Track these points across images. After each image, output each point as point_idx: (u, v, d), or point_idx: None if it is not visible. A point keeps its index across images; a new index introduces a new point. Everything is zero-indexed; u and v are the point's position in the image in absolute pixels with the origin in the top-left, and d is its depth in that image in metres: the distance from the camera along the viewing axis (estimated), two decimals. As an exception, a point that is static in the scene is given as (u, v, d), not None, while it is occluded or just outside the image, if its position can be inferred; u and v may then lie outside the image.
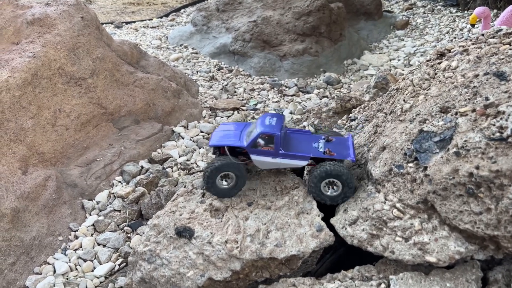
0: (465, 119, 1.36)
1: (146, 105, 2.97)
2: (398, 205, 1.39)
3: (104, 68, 2.86)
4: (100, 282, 1.79)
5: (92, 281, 1.78)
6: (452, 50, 1.78)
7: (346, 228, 1.49)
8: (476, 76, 1.49)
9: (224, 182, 1.60)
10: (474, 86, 1.45)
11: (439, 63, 1.75)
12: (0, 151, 2.16)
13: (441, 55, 1.79)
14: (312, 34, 4.02)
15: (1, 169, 2.08)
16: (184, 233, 1.52)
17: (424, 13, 5.29)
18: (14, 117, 2.31)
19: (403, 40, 4.67)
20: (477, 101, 1.39)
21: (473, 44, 1.73)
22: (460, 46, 1.77)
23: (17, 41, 2.64)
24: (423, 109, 1.54)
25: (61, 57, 2.63)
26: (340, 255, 1.80)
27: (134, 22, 5.38)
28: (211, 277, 1.43)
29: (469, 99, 1.43)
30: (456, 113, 1.42)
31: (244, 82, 3.84)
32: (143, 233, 1.61)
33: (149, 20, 5.45)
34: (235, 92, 3.64)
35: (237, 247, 1.44)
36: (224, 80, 3.88)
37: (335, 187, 1.57)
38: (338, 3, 4.32)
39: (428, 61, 1.84)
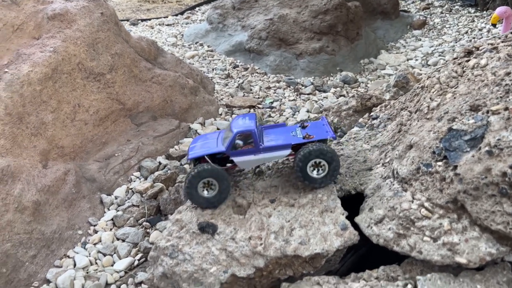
0: (497, 118, 1.33)
1: (163, 102, 2.97)
2: (426, 204, 1.37)
3: (123, 64, 2.86)
4: (120, 277, 1.79)
5: (112, 275, 1.78)
6: (480, 48, 1.75)
7: (371, 227, 1.47)
8: (508, 74, 1.46)
9: (206, 192, 1.56)
10: (506, 84, 1.42)
11: (467, 61, 1.71)
12: (21, 144, 2.17)
13: (469, 53, 1.76)
14: (329, 32, 4.00)
15: (22, 162, 2.08)
16: (207, 228, 1.51)
17: (441, 13, 5.23)
18: (35, 111, 2.32)
19: (420, 40, 4.62)
20: (509, 99, 1.36)
21: (502, 42, 1.69)
22: (489, 44, 1.74)
23: (37, 36, 2.65)
24: (451, 107, 1.52)
25: (81, 52, 2.64)
26: (362, 255, 1.78)
27: (150, 19, 5.39)
28: (234, 274, 1.42)
29: (501, 97, 1.40)
30: (487, 112, 1.39)
31: (260, 80, 3.82)
32: (165, 228, 1.60)
33: (164, 17, 5.46)
34: (251, 90, 3.63)
35: (261, 244, 1.42)
36: (239, 78, 3.87)
37: (321, 168, 1.55)
38: (355, 1, 4.29)
39: (455, 59, 1.80)
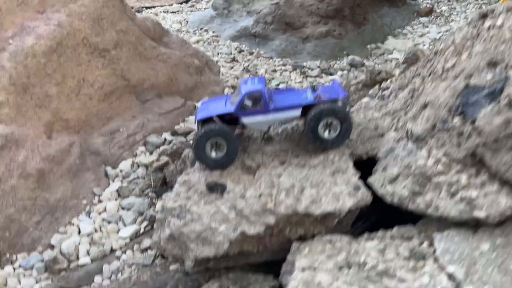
0: (517, 70, 1.29)
1: (168, 80, 2.93)
2: (443, 159, 1.32)
3: (128, 41, 2.82)
4: (125, 244, 1.75)
5: (117, 241, 1.74)
6: (495, 11, 1.70)
7: (385, 186, 1.43)
8: (527, 29, 1.41)
9: (214, 153, 1.52)
10: (525, 38, 1.38)
11: (482, 24, 1.67)
12: (26, 114, 2.14)
13: (483, 16, 1.72)
14: (335, 16, 3.95)
15: (26, 131, 2.05)
16: (216, 188, 1.47)
17: (449, 0, 5.18)
18: (39, 83, 2.28)
19: (427, 27, 4.58)
20: (529, 53, 1.32)
21: (519, 3, 1.65)
22: (503, 7, 1.69)
23: (42, 10, 2.62)
24: (468, 65, 1.47)
25: (86, 28, 2.61)
26: (373, 223, 1.74)
27: (154, 7, 5.37)
28: (243, 232, 1.38)
29: (520, 51, 1.35)
30: (506, 66, 1.35)
31: (266, 64, 3.79)
32: (172, 191, 1.56)
33: (169, 5, 5.43)
34: (256, 72, 3.59)
35: (271, 201, 1.38)
36: (245, 62, 3.83)
37: (333, 128, 1.51)
38: (362, -13, 4.25)
39: (469, 23, 1.76)
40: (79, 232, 1.79)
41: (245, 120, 1.52)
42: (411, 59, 2.59)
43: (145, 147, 2.46)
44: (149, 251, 1.68)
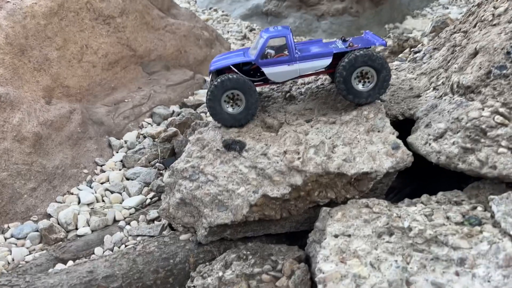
0: None
1: (177, 51, 2.75)
2: (501, 110, 1.13)
3: (134, 9, 2.65)
4: (130, 214, 1.57)
5: (121, 212, 1.56)
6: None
7: (430, 144, 1.23)
8: None
9: (231, 108, 1.33)
10: None
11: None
12: (23, 77, 1.96)
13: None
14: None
15: (23, 94, 1.88)
16: (234, 145, 1.28)
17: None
18: (38, 45, 2.11)
19: (447, 8, 4.36)
20: None
21: None
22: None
23: (43, -28, 2.44)
24: (525, 8, 1.28)
25: (90, -9, 2.43)
26: (407, 195, 1.55)
27: (162, -12, 5.18)
28: (266, 194, 1.19)
29: None
30: None
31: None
32: (180, 152, 1.38)
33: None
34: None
35: (298, 158, 1.19)
36: (257, 39, 3.63)
37: (368, 79, 1.32)
38: (380, -36, 4.04)
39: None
40: (79, 201, 1.62)
41: (267, 70, 1.33)
42: (440, 28, 2.39)
43: (151, 118, 2.28)
44: (156, 222, 1.50)
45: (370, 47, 1.34)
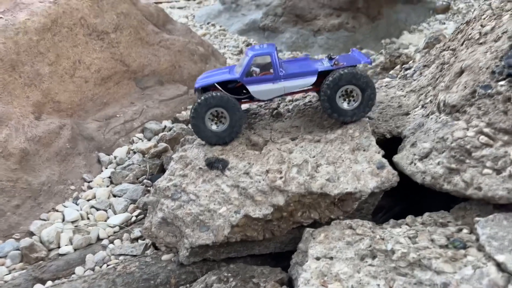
0: None
1: (171, 66, 2.75)
2: (486, 130, 1.11)
3: (129, 25, 2.66)
4: (114, 232, 1.55)
5: (105, 230, 1.54)
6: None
7: (415, 164, 1.21)
8: None
9: (215, 125, 1.32)
10: None
11: (523, -14, 1.47)
12: (13, 92, 1.96)
13: (524, -21, 1.51)
14: (349, 8, 3.77)
15: (12, 109, 1.87)
16: (216, 164, 1.26)
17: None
18: (30, 61, 2.11)
19: (444, 23, 4.37)
20: None
21: None
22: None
23: (38, -11, 2.46)
24: (511, 27, 1.27)
25: (84, 7, 2.44)
26: (395, 215, 1.52)
27: (161, 2, 5.23)
28: (247, 214, 1.17)
29: None
30: (560, 22, 1.14)
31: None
32: (167, 169, 1.36)
33: (176, 1, 5.30)
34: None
35: (281, 178, 1.17)
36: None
37: (353, 97, 1.30)
38: (376, -20, 4.07)
39: (506, -11, 1.56)
40: (63, 219, 1.59)
41: (252, 88, 1.32)
42: (433, 44, 2.39)
43: (143, 134, 2.27)
44: (140, 241, 1.48)
45: (355, 66, 1.33)
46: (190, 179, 1.27)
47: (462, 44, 1.48)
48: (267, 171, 1.19)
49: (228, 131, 1.32)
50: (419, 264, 1.02)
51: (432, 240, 1.07)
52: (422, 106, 1.49)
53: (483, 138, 1.10)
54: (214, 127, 1.32)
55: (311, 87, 1.35)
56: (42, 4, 2.29)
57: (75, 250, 1.45)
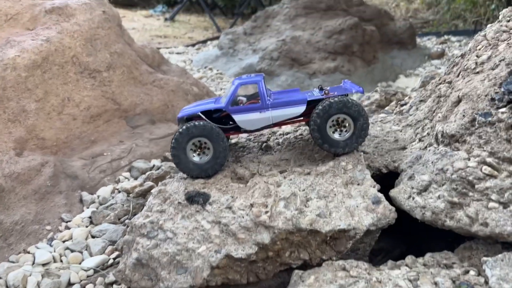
0: None
1: (163, 106, 2.71)
2: (489, 160, 1.02)
3: (122, 64, 2.64)
4: (88, 276, 1.41)
5: (77, 273, 1.40)
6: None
7: (413, 198, 1.11)
8: None
9: (198, 157, 1.24)
10: None
11: (518, 18, 1.43)
12: (-6, 128, 1.89)
13: (517, 12, 1.48)
14: (344, 52, 3.80)
15: (-9, 145, 1.79)
16: (197, 198, 1.16)
17: (460, 46, 5.06)
18: (16, 97, 2.06)
19: (440, 68, 4.40)
20: None
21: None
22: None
23: (32, 28, 2.47)
24: (508, 54, 1.21)
25: (77, 46, 2.43)
26: (395, 259, 1.39)
27: (160, 48, 5.31)
28: (229, 254, 1.05)
29: None
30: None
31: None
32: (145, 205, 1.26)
33: (174, 47, 5.38)
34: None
35: (266, 212, 1.07)
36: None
37: (345, 127, 1.23)
38: (371, 27, 4.14)
39: (499, 21, 1.52)
40: (34, 262, 1.46)
41: (238, 118, 1.24)
42: (428, 83, 2.35)
43: (130, 173, 2.17)
44: (115, 286, 1.34)
45: (346, 95, 1.27)
46: (168, 215, 1.17)
47: (458, 76, 1.42)
48: (251, 205, 1.08)
49: (212, 162, 1.23)
50: (422, 311, 0.89)
51: (436, 284, 0.95)
52: (420, 140, 1.41)
53: (486, 169, 1.01)
54: (196, 159, 1.23)
55: (301, 118, 1.28)
56: (34, 42, 2.28)
57: (42, 295, 1.32)
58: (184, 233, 1.11)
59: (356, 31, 3.81)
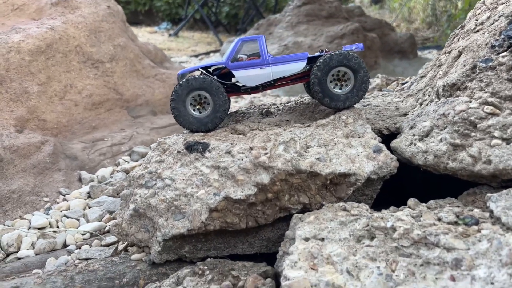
0: None
1: (165, 98, 2.72)
2: (491, 100, 1.01)
3: (125, 57, 2.67)
4: (84, 239, 1.38)
5: (74, 236, 1.37)
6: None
7: (415, 144, 1.10)
8: None
9: (197, 112, 1.23)
10: None
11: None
12: (-4, 105, 1.89)
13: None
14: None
15: (-8, 119, 1.79)
16: (196, 146, 1.15)
17: (460, 56, 5.10)
18: (19, 79, 2.07)
19: (440, 76, 4.40)
20: None
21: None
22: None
23: (38, 18, 2.51)
24: (508, 11, 1.22)
25: (81, 36, 2.47)
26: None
27: (163, 58, 5.38)
28: (228, 196, 1.03)
29: None
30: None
31: (273, 101, 3.58)
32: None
33: (178, 57, 5.45)
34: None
35: (265, 154, 1.05)
36: (251, 98, 3.64)
37: (345, 81, 1.21)
38: (372, 34, 4.19)
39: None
40: (30, 227, 1.44)
41: (238, 74, 1.24)
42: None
43: (130, 157, 2.16)
44: (110, 247, 1.31)
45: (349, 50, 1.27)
46: (167, 164, 1.15)
47: (458, 40, 1.43)
48: (251, 148, 1.07)
49: (211, 116, 1.22)
50: (425, 242, 0.87)
51: (439, 219, 0.92)
52: (421, 104, 1.40)
53: (488, 108, 1.00)
54: (196, 113, 1.22)
55: (300, 75, 1.28)
56: (39, 29, 2.31)
57: (36, 255, 1.29)
58: (183, 179, 1.10)
59: (358, 36, 3.85)
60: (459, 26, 1.62)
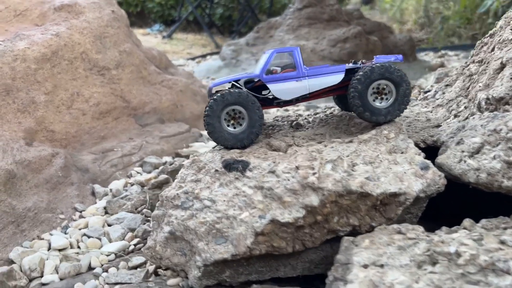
0: None
1: (173, 105, 2.65)
2: (547, 115, 0.98)
3: (131, 63, 2.60)
4: (109, 261, 1.32)
5: (98, 258, 1.31)
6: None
7: (465, 161, 1.06)
8: None
9: (232, 127, 1.16)
10: None
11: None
12: (4, 117, 1.81)
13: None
14: (348, 60, 3.78)
15: (1, 133, 1.71)
16: (236, 165, 1.09)
17: (458, 59, 5.13)
18: (25, 88, 1.99)
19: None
20: None
21: None
22: None
23: (41, 24, 2.42)
24: (549, 21, 1.19)
25: (86, 42, 2.39)
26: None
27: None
28: (275, 219, 0.98)
29: None
30: None
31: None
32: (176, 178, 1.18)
33: (174, 60, 5.37)
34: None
35: (314, 174, 1.00)
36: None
37: (386, 95, 1.17)
38: (373, 37, 4.18)
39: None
40: (49, 248, 1.36)
41: (273, 87, 1.19)
42: (443, 79, 2.33)
43: (142, 168, 2.09)
44: (139, 269, 1.25)
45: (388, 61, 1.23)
46: (205, 184, 1.09)
47: (492, 50, 1.40)
48: (297, 168, 1.02)
49: (247, 132, 1.16)
50: (493, 268, 0.83)
51: (503, 242, 0.89)
52: (455, 116, 1.37)
53: (545, 125, 0.97)
54: (231, 129, 1.17)
55: (335, 87, 1.24)
56: (44, 36, 2.23)
57: (61, 279, 1.22)
58: (224, 200, 1.04)
59: (360, 40, 3.83)
60: (488, 34, 1.59)
